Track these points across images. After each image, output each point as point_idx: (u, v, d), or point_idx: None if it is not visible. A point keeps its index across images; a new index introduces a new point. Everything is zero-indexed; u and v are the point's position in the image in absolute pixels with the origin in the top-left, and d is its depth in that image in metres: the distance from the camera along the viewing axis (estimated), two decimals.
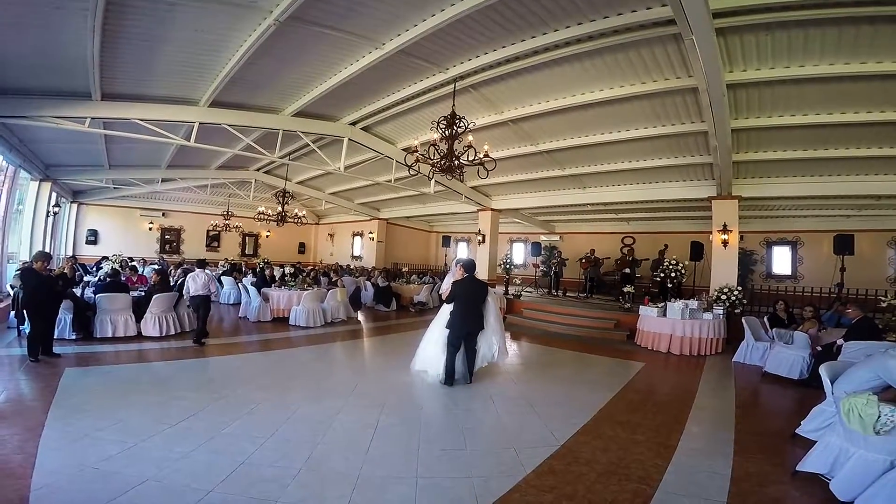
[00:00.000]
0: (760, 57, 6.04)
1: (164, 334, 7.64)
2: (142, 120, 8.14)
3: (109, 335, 7.21)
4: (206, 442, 3.70)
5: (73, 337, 6.97)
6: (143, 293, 7.98)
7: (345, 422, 4.31)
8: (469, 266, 6.07)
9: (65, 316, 6.89)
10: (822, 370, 3.96)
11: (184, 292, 7.72)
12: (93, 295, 7.47)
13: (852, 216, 12.99)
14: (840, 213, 12.91)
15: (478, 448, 3.87)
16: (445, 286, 6.14)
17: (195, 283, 7.50)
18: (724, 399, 5.63)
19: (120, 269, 9.20)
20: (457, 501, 3.01)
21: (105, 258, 12.74)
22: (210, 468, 3.27)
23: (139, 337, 7.46)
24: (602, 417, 4.70)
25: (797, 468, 3.47)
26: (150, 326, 7.60)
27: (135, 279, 9.55)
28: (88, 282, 9.23)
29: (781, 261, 15.08)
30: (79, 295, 7.44)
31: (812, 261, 14.33)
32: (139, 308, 7.66)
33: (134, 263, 11.62)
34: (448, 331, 5.74)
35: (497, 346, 5.98)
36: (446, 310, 5.92)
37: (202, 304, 7.51)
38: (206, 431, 3.90)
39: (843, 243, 9.59)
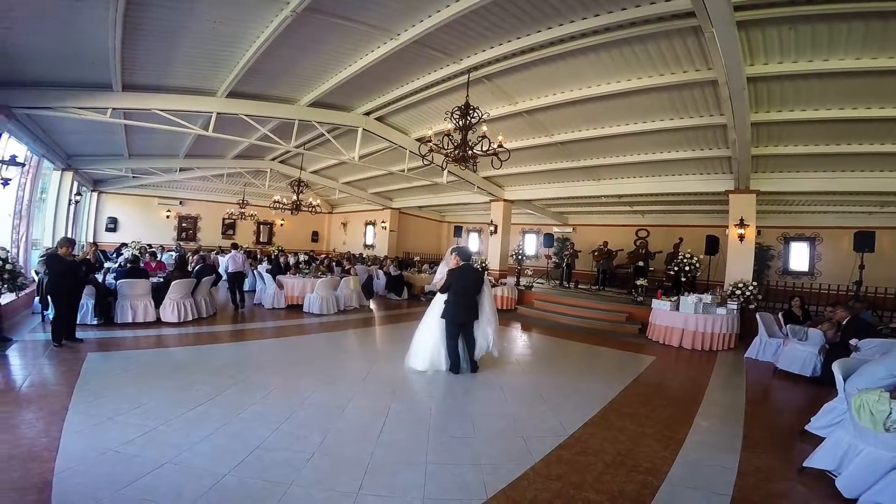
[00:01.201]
0: (783, 50, 5.92)
1: (181, 320, 7.83)
2: (161, 110, 8.29)
3: (129, 320, 7.41)
4: (223, 426, 3.82)
5: (95, 322, 7.18)
6: (161, 279, 8.16)
7: (357, 408, 4.42)
8: (464, 254, 6.02)
9: (87, 301, 7.09)
10: (835, 367, 3.93)
11: (221, 270, 8.16)
12: (114, 281, 7.68)
13: (874, 213, 12.68)
14: (861, 209, 12.61)
15: (486, 436, 3.94)
16: (439, 276, 6.06)
17: (235, 262, 9.14)
18: (735, 394, 5.62)
19: (139, 255, 9.40)
20: (465, 488, 3.08)
21: (124, 245, 13.06)
22: (226, 452, 3.38)
23: (158, 322, 7.66)
24: (611, 409, 4.74)
25: (804, 464, 3.47)
26: (168, 312, 7.79)
27: (154, 265, 9.77)
28: (109, 268, 9.48)
29: (799, 257, 14.82)
30: (100, 281, 7.65)
31: (830, 258, 14.06)
32: (158, 294, 7.85)
33: (153, 250, 11.86)
34: (443, 322, 5.72)
35: (492, 336, 5.85)
36: (438, 302, 5.87)
37: (238, 279, 9.12)
38: (223, 416, 4.02)
39: (864, 240, 9.39)
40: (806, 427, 4.14)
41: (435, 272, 14.30)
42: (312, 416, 4.15)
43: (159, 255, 12.16)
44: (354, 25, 6.31)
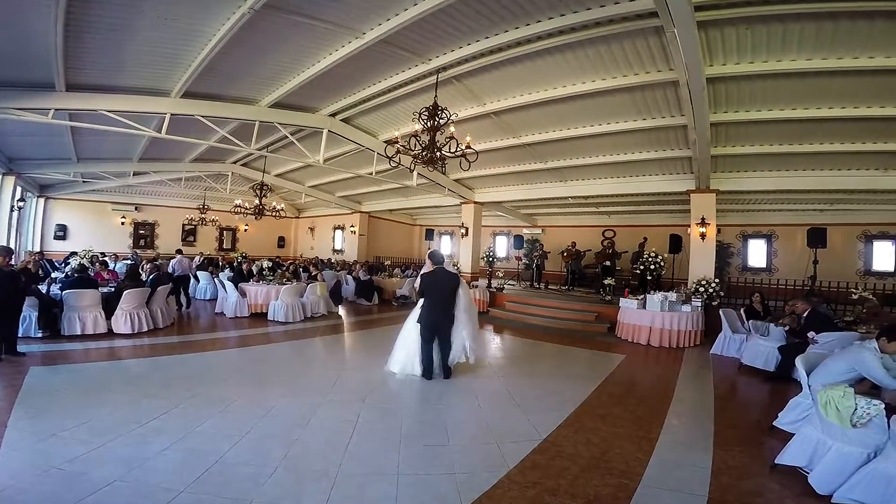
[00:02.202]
0: (740, 51, 6.08)
1: (135, 331, 7.39)
2: (109, 111, 7.88)
3: (78, 333, 6.94)
4: (178, 441, 3.57)
5: (40, 335, 6.68)
6: (112, 289, 7.68)
7: (324, 418, 4.22)
8: (437, 257, 5.91)
9: (30, 313, 6.60)
10: (798, 362, 4.02)
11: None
12: (59, 291, 7.18)
13: (825, 210, 13.31)
14: (813, 207, 13.23)
15: (460, 443, 3.82)
16: (419, 282, 5.99)
17: (181, 266, 10.01)
18: (703, 391, 5.71)
19: (89, 264, 8.84)
20: (439, 498, 2.95)
21: (74, 253, 12.29)
22: (182, 468, 3.15)
23: (110, 334, 7.20)
24: (584, 411, 4.71)
25: (776, 461, 3.50)
26: (121, 323, 7.34)
27: (105, 275, 9.21)
28: (55, 278, 8.86)
29: (757, 254, 15.42)
30: (44, 291, 7.13)
31: (786, 254, 14.68)
32: (109, 304, 7.39)
33: (105, 259, 11.21)
34: (419, 326, 5.63)
35: (467, 342, 5.65)
36: (418, 307, 5.80)
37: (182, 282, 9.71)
38: (178, 430, 3.77)
39: (817, 236, 9.82)
40: (774, 423, 4.21)
41: (407, 276, 14.28)
42: (276, 428, 3.93)
43: (112, 265, 11.49)
44: (317, 24, 6.12)
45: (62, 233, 17.31)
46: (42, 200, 16.89)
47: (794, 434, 3.79)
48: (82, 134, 10.66)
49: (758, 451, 3.91)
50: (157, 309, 8.04)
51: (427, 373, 5.56)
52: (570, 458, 3.57)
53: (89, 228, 17.53)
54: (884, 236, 13.41)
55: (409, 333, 5.79)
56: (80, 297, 7.00)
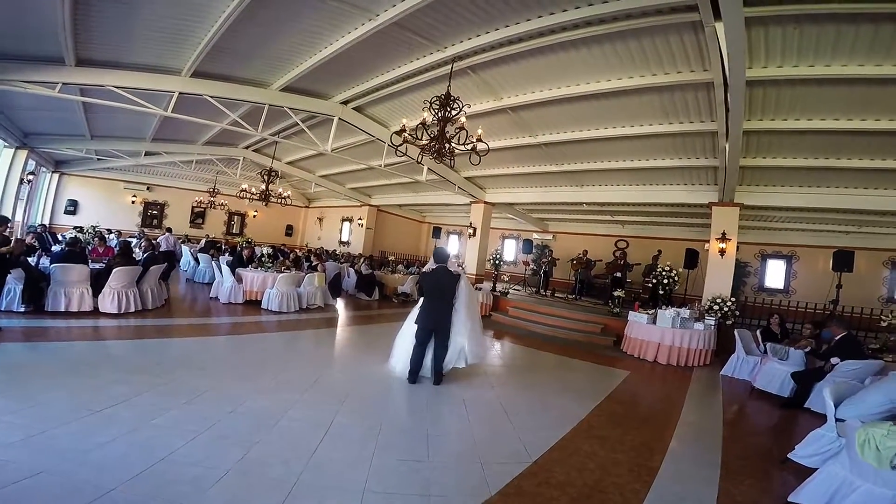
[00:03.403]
0: (785, 53, 5.59)
1: (122, 311, 7.11)
2: (118, 87, 7.74)
3: (62, 309, 6.67)
4: (128, 433, 3.26)
5: (23, 310, 6.44)
6: (103, 266, 7.46)
7: (294, 419, 3.88)
8: (439, 256, 5.55)
9: (15, 286, 6.37)
10: (826, 393, 3.60)
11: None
12: (48, 265, 6.96)
13: (851, 233, 12.70)
14: (838, 228, 12.61)
15: (441, 460, 3.44)
16: (419, 279, 5.73)
17: (167, 243, 10.15)
18: (712, 416, 5.25)
19: (81, 237, 8.65)
20: None
21: (78, 228, 12.20)
22: (121, 463, 2.84)
23: (95, 313, 6.94)
24: (581, 431, 4.30)
25: (790, 499, 3.11)
26: (107, 302, 7.07)
27: (101, 251, 9.00)
28: (51, 251, 8.69)
29: (775, 274, 14.80)
30: (33, 264, 6.92)
31: (806, 276, 14.07)
32: (98, 281, 7.15)
33: (102, 232, 11.05)
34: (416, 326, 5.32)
35: (463, 346, 5.33)
36: (419, 306, 5.52)
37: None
38: (132, 421, 3.46)
39: (843, 260, 9.26)
40: (789, 455, 3.78)
41: (410, 273, 13.95)
42: (239, 427, 3.60)
43: (114, 240, 11.33)
44: (329, 2, 5.85)
45: (73, 208, 17.42)
46: (56, 175, 17.03)
47: (810, 468, 3.45)
48: (94, 111, 10.59)
49: (769, 486, 3.51)
50: (148, 289, 7.79)
51: (412, 375, 5.22)
52: (559, 487, 3.18)
53: (100, 205, 17.69)
54: None
55: (406, 334, 5.51)
56: (66, 272, 6.76)
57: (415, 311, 5.54)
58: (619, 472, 3.48)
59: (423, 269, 5.67)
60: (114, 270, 7.08)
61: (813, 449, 3.69)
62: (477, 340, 5.50)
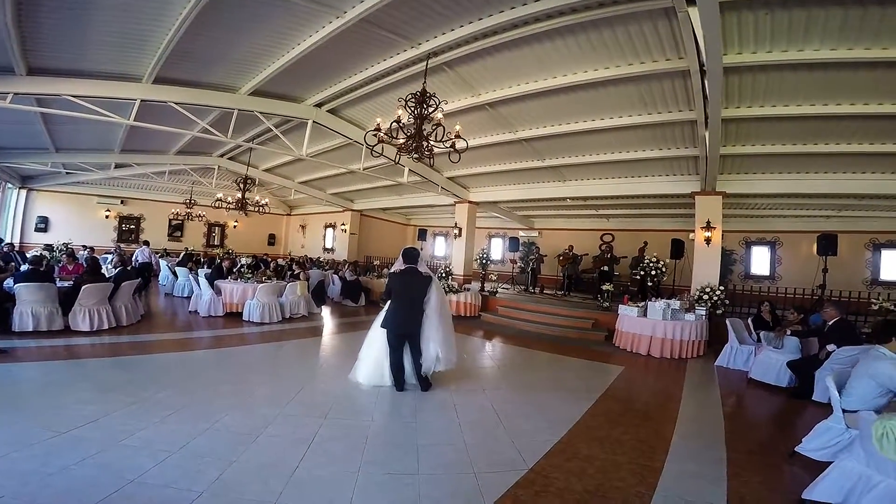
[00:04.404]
0: (758, 39, 5.56)
1: (94, 328, 6.80)
2: (75, 97, 7.36)
3: (30, 329, 6.33)
4: (95, 454, 3.04)
5: None
6: (70, 284, 7.11)
7: (274, 434, 3.64)
8: (408, 255, 5.23)
9: None
10: (829, 381, 3.47)
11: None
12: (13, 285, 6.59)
13: (832, 217, 12.85)
14: (820, 213, 12.76)
15: (432, 472, 3.24)
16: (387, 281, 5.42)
17: (143, 255, 9.85)
18: (711, 410, 5.11)
19: (48, 255, 8.26)
20: None
21: (48, 246, 11.72)
22: (87, 486, 2.65)
23: (66, 331, 6.61)
24: (578, 433, 4.12)
25: (804, 496, 2.95)
26: (79, 320, 6.75)
27: (71, 267, 8.61)
28: (18, 271, 8.28)
29: (760, 261, 14.91)
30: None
31: (790, 262, 14.19)
32: (68, 299, 6.81)
33: (74, 249, 10.61)
34: (384, 331, 5.04)
35: (436, 352, 4.96)
36: (384, 310, 5.22)
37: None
38: (100, 442, 3.23)
39: (827, 244, 9.28)
40: (796, 448, 3.63)
41: None
42: (215, 445, 3.36)
43: (83, 258, 10.88)
44: (294, 1, 5.60)
45: (43, 225, 16.82)
46: (24, 192, 16.39)
47: (819, 462, 3.32)
48: (56, 122, 10.18)
49: (779, 482, 3.37)
50: (122, 305, 7.46)
51: (397, 384, 4.98)
52: (559, 494, 3.00)
53: (72, 221, 17.07)
54: (892, 245, 12.91)
55: (374, 340, 5.19)
56: (31, 292, 6.41)
57: (378, 318, 5.23)
58: (621, 475, 3.31)
59: (391, 270, 5.41)
60: (83, 288, 6.74)
61: (821, 442, 3.52)
62: (449, 345, 5.15)
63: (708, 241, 9.54)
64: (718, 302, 9.04)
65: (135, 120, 7.90)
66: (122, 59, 7.04)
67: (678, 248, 11.46)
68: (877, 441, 2.57)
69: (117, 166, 14.54)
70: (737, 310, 9.66)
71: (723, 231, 9.79)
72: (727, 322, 7.51)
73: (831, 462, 3.03)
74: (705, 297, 9.05)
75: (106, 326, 7.00)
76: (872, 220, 12.55)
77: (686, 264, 11.06)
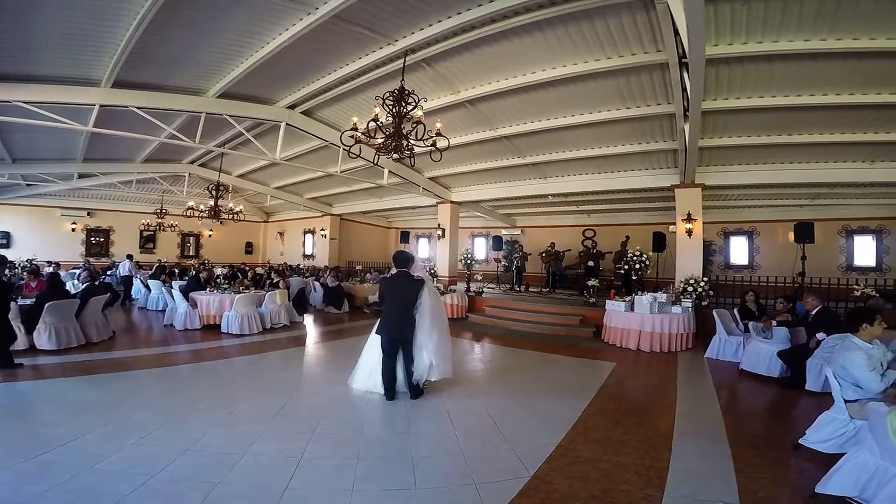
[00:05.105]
0: (734, 30, 5.54)
1: (62, 347, 6.43)
2: (27, 103, 6.92)
3: None
4: (66, 481, 2.83)
5: None
6: (32, 301, 6.70)
7: (260, 453, 3.42)
8: (399, 259, 5.09)
9: None
10: (830, 373, 3.42)
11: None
12: None
13: (805, 206, 13.13)
14: (795, 202, 13.03)
15: (429, 485, 3.07)
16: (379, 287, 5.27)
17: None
18: (708, 404, 5.03)
19: (7, 273, 7.78)
20: None
21: (8, 263, 11.10)
22: None
23: (31, 350, 6.24)
24: (578, 435, 4.00)
25: (818, 490, 2.88)
26: (44, 339, 6.38)
27: (34, 285, 8.14)
28: None
29: (739, 251, 15.19)
30: None
31: (768, 250, 14.48)
32: (31, 318, 6.42)
33: (37, 265, 10.08)
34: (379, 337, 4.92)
35: (429, 360, 4.85)
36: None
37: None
38: (72, 467, 3.01)
39: (804, 231, 9.43)
40: (800, 441, 3.58)
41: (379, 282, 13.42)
42: (196, 467, 3.14)
43: (48, 272, 10.33)
44: None
45: (5, 240, 16.00)
46: None
47: (826, 454, 3.29)
48: (10, 131, 9.68)
49: (788, 477, 3.31)
50: (91, 322, 7.08)
51: (388, 392, 4.81)
52: (565, 501, 2.86)
53: (36, 235, 16.29)
54: (864, 231, 13.30)
55: (372, 345, 5.08)
56: None
57: (377, 324, 5.13)
58: (627, 478, 3.20)
59: (384, 275, 5.27)
60: (46, 305, 6.34)
61: (826, 433, 3.47)
62: (443, 355, 4.99)
63: (689, 233, 9.61)
64: (703, 293, 9.09)
65: (95, 126, 7.49)
66: (76, 63, 6.65)
67: (660, 241, 11.54)
68: (893, 434, 2.50)
69: (81, 176, 13.87)
70: (720, 300, 9.75)
71: (703, 222, 9.88)
72: (714, 313, 7.54)
73: (837, 454, 2.98)
74: (689, 288, 9.10)
75: (74, 344, 6.65)
76: (843, 207, 12.88)
77: (669, 256, 11.14)
